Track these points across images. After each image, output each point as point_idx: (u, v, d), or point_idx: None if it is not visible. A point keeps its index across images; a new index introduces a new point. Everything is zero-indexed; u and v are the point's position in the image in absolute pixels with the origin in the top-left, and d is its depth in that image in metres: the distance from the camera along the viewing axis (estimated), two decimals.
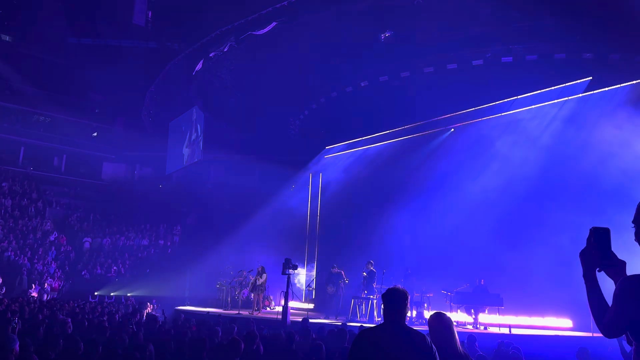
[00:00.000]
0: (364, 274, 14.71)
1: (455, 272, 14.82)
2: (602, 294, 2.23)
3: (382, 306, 3.54)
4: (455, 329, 3.84)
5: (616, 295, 2.12)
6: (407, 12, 14.06)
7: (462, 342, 4.59)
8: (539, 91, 15.67)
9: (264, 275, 16.11)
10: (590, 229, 2.31)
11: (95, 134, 36.21)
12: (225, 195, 24.59)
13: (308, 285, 19.99)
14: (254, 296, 16.35)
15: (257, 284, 15.96)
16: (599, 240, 2.27)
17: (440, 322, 3.81)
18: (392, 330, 3.34)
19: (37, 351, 5.46)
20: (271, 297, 19.59)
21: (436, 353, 3.25)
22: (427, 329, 3.84)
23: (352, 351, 3.38)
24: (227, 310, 17.15)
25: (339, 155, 22.60)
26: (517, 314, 13.59)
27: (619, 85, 13.79)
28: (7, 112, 32.52)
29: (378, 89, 17.49)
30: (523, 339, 10.51)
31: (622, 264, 2.29)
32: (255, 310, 15.97)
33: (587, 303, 2.28)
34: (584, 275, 2.27)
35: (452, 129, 18.36)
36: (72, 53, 28.90)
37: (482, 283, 13.41)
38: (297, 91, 18.76)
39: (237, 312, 15.79)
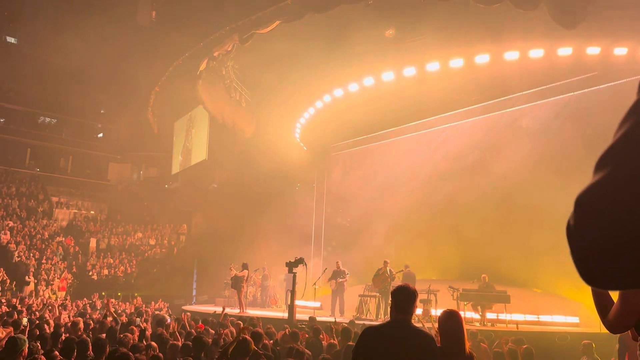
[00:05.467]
0: (384, 272, 14.42)
1: (460, 269, 14.81)
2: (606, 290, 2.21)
3: (390, 303, 3.52)
4: (465, 328, 3.81)
5: (621, 291, 2.10)
6: (411, 9, 14.05)
7: None
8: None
9: (244, 272, 16.03)
10: None
11: (100, 135, 36.35)
12: (231, 194, 24.64)
13: (314, 283, 19.99)
14: (237, 293, 16.24)
15: (234, 279, 15.93)
16: None
17: (450, 320, 3.78)
18: (396, 329, 3.33)
19: (44, 352, 5.48)
20: (277, 296, 19.61)
21: (439, 354, 3.23)
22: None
23: (356, 348, 3.38)
24: (234, 309, 17.16)
25: (345, 153, 22.61)
26: (525, 311, 13.54)
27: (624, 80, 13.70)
28: (13, 113, 32.70)
29: (382, 87, 17.47)
30: (530, 335, 10.46)
31: None
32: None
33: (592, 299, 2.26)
34: None
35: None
36: (77, 54, 28.97)
37: (487, 280, 13.37)
38: (301, 90, 18.74)
39: (244, 311, 15.81)
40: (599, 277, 0.73)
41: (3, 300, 17.14)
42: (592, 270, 0.73)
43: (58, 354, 5.48)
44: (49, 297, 20.41)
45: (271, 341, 7.79)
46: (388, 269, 14.13)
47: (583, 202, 0.73)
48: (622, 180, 0.69)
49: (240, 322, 9.52)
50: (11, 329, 7.86)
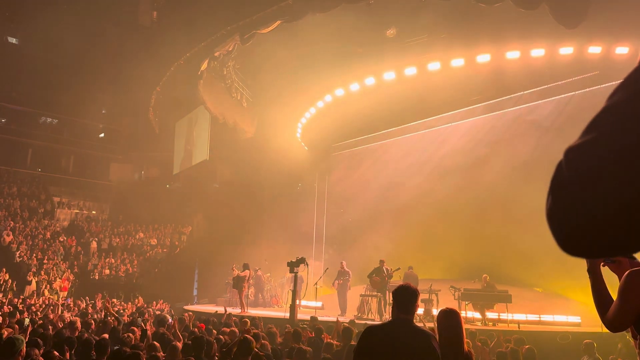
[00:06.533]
0: (375, 276, 14.48)
1: (462, 269, 14.80)
2: (606, 289, 2.22)
3: (392, 303, 3.52)
4: (464, 327, 3.80)
5: (621, 290, 2.10)
6: (412, 9, 14.05)
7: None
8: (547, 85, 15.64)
9: (246, 272, 16.03)
10: None
11: (102, 135, 36.38)
12: (233, 194, 24.65)
13: (315, 283, 20.02)
14: (238, 293, 16.23)
15: (236, 278, 15.94)
16: None
17: (448, 319, 3.78)
18: (398, 328, 3.33)
19: (45, 352, 5.49)
20: (279, 296, 19.62)
21: (439, 354, 3.23)
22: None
23: (358, 347, 3.38)
24: (236, 309, 17.16)
25: (346, 153, 22.61)
26: (526, 310, 13.53)
27: None
28: (14, 114, 32.73)
29: (383, 86, 17.48)
30: (532, 335, 10.45)
31: (626, 259, 2.27)
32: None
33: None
34: (588, 270, 2.26)
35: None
36: (78, 54, 29.01)
37: (488, 280, 13.37)
38: (302, 89, 18.76)
39: (245, 311, 15.80)
40: (581, 242, 0.70)
41: (4, 300, 17.17)
42: (573, 233, 0.69)
43: (57, 353, 5.49)
44: (50, 297, 20.42)
45: (272, 341, 7.79)
46: (384, 268, 14.14)
47: (574, 158, 0.72)
48: (611, 141, 0.68)
49: (247, 320, 9.55)
50: (15, 328, 7.87)
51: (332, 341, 7.23)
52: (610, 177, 0.66)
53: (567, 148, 0.73)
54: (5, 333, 6.80)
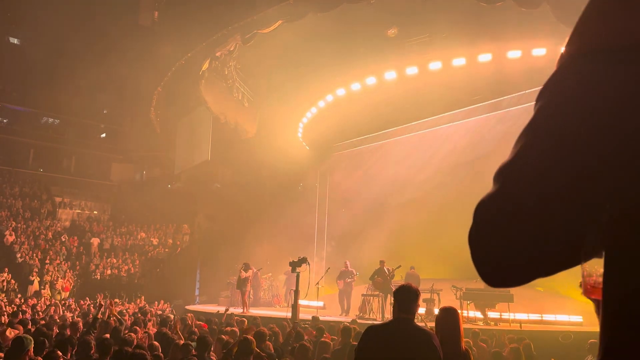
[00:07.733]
0: (377, 277, 14.51)
1: (464, 269, 14.75)
2: None
3: (393, 303, 3.53)
4: (462, 325, 3.81)
5: None
6: (413, 8, 14.05)
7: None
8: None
9: (249, 272, 16.10)
10: None
11: (103, 135, 36.41)
12: (234, 194, 24.66)
13: (316, 283, 20.02)
14: (240, 293, 16.29)
15: (241, 279, 16.00)
16: None
17: (446, 317, 3.80)
18: (399, 328, 3.34)
19: (47, 353, 5.50)
20: (280, 295, 19.63)
21: (440, 353, 3.23)
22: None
23: (359, 347, 3.39)
24: (238, 308, 17.17)
25: (348, 152, 22.60)
26: (528, 310, 13.52)
27: None
28: (16, 114, 32.78)
29: (385, 86, 17.48)
30: (534, 334, 10.45)
31: None
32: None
33: None
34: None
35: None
36: (79, 54, 29.05)
37: None
38: (304, 89, 18.76)
39: (246, 310, 15.82)
40: (494, 278, 0.82)
41: (6, 301, 17.19)
42: (486, 271, 0.83)
43: (61, 353, 5.50)
44: (52, 297, 20.44)
45: (274, 341, 7.80)
46: (385, 268, 14.14)
47: (479, 211, 0.81)
48: (514, 194, 0.76)
49: (245, 319, 9.56)
50: (20, 328, 7.88)
51: (328, 340, 7.24)
52: (508, 230, 0.76)
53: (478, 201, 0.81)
54: (12, 334, 6.81)
